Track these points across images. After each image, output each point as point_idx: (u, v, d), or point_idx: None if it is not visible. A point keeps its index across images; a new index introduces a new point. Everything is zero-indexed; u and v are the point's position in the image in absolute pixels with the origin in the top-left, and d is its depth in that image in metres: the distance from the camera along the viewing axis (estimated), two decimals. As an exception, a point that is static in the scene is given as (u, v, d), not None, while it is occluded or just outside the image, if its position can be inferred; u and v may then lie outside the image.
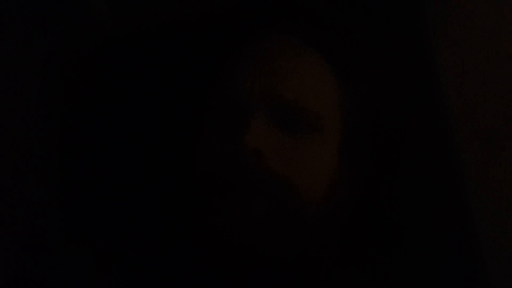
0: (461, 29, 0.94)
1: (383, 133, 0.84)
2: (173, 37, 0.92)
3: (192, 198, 0.77)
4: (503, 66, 0.93)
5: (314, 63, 0.80)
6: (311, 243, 0.75)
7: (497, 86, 0.93)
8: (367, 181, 0.82)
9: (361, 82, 0.82)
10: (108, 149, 0.91)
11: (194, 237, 0.77)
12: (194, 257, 0.78)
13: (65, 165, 0.92)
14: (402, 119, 0.87)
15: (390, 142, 0.85)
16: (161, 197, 0.85)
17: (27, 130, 0.91)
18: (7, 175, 0.90)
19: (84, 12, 0.94)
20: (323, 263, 0.79)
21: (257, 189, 0.73)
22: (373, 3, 0.93)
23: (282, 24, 0.82)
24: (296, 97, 0.76)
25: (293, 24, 0.82)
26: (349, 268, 0.81)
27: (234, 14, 0.89)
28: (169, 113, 0.88)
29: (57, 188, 0.91)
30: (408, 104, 0.89)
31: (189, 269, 0.78)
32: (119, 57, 0.94)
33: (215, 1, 0.93)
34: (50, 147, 0.91)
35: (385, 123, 0.85)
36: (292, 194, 0.74)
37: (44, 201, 0.89)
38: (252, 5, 0.87)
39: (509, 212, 0.90)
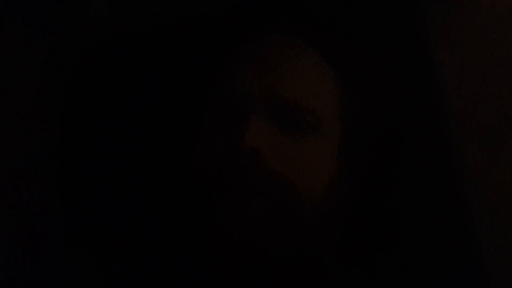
0: (460, 29, 0.94)
1: (383, 133, 0.84)
2: (173, 37, 0.92)
3: (191, 197, 0.77)
4: (502, 66, 0.93)
5: (314, 63, 0.80)
6: (310, 243, 0.75)
7: (497, 86, 0.93)
8: (367, 181, 0.82)
9: (361, 82, 0.82)
10: (108, 149, 0.91)
11: (193, 236, 0.77)
12: (193, 257, 0.78)
13: (65, 165, 0.92)
14: (401, 119, 0.87)
15: (390, 142, 0.85)
16: (161, 197, 0.85)
17: (27, 130, 0.90)
18: (7, 175, 0.89)
19: (84, 12, 0.94)
20: (322, 263, 0.78)
21: (256, 189, 0.73)
22: (373, 3, 0.93)
23: (282, 24, 0.82)
24: (295, 96, 0.76)
25: (293, 24, 0.82)
26: (349, 268, 0.81)
27: (233, 14, 0.89)
28: (169, 113, 0.88)
29: (57, 188, 0.90)
30: (408, 104, 0.89)
31: (189, 269, 0.78)
32: (118, 57, 0.94)
33: (215, 1, 0.93)
34: (50, 147, 0.91)
35: (385, 123, 0.85)
36: (291, 193, 0.74)
37: (45, 201, 0.89)
38: (251, 5, 0.88)
39: (509, 212, 0.90)
